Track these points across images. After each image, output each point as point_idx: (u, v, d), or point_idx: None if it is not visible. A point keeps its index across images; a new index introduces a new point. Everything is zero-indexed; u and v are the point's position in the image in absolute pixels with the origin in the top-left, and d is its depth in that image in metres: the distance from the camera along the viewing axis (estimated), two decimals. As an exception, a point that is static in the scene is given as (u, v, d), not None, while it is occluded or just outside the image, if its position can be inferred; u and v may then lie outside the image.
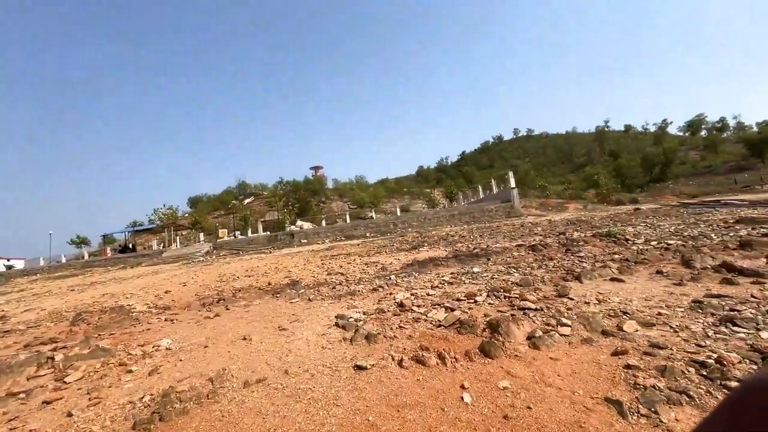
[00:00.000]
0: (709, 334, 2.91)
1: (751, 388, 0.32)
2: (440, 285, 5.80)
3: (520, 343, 3.19)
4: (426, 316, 4.21)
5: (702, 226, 8.94)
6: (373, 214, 45.47)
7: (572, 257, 6.81)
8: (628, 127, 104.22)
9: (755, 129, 57.79)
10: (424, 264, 7.97)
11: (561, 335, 3.21)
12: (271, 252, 21.25)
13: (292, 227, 30.00)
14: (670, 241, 7.11)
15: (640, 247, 6.95)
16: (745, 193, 26.87)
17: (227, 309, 6.10)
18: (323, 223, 40.86)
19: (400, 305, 4.68)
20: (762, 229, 7.58)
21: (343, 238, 23.70)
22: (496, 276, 6.01)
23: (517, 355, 2.95)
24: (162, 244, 38.38)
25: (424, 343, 3.34)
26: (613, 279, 4.85)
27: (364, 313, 4.60)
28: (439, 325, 3.81)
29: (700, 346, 2.74)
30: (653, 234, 8.35)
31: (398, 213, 44.23)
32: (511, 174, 25.27)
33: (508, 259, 7.50)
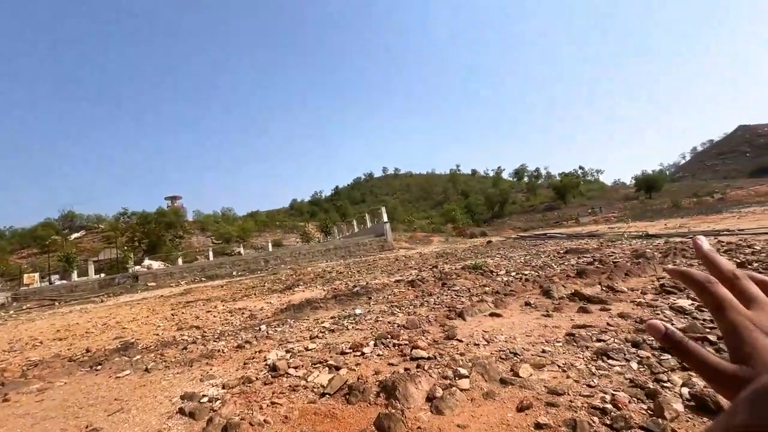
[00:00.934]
0: (593, 371, 2.94)
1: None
2: (321, 334, 5.04)
3: (420, 407, 2.70)
4: (306, 380, 3.41)
5: (543, 257, 10.47)
6: (242, 250, 41.59)
7: (449, 291, 6.93)
8: (474, 171, 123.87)
9: (558, 178, 75.12)
10: (301, 308, 7.08)
11: (462, 390, 2.85)
12: (102, 301, 16.82)
13: (137, 267, 24.74)
14: (525, 271, 7.95)
15: (504, 278, 7.57)
16: (558, 227, 34.01)
17: (5, 400, 4.04)
18: (180, 261, 35.30)
19: (273, 369, 3.75)
20: (584, 258, 9.23)
21: (203, 279, 20.52)
22: (381, 317, 5.58)
23: (420, 428, 2.44)
24: None
25: (306, 428, 2.55)
26: (492, 314, 4.93)
27: (223, 387, 3.50)
28: (323, 394, 3.07)
29: (590, 386, 2.71)
30: (510, 265, 9.33)
31: (270, 248, 41.54)
32: (383, 209, 26.41)
33: (390, 296, 7.24)
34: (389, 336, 4.38)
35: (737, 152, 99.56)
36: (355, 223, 33.97)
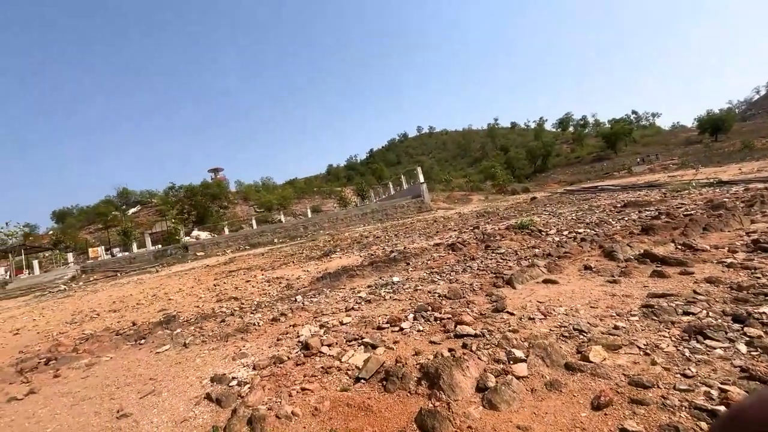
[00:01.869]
0: (687, 355, 2.36)
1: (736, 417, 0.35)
2: (356, 306, 4.76)
3: (469, 399, 2.29)
4: (340, 361, 3.12)
5: (597, 212, 9.49)
6: (282, 217, 42.78)
7: (494, 255, 6.38)
8: (513, 124, 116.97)
9: (608, 125, 68.94)
10: (337, 276, 6.87)
11: (518, 378, 2.41)
12: (157, 271, 17.96)
13: (187, 239, 26.18)
14: (579, 230, 7.17)
15: (555, 238, 6.86)
16: (609, 179, 31.51)
17: (56, 376, 4.19)
18: (226, 230, 37.02)
19: (305, 347, 3.51)
20: (647, 211, 8.20)
21: (247, 247, 21.29)
22: (420, 286, 5.20)
23: (470, 428, 2.04)
24: (9, 272, 30.48)
25: (337, 424, 2.24)
26: (546, 281, 4.36)
27: (254, 368, 3.31)
28: (358, 379, 2.75)
29: (687, 376, 2.15)
30: (560, 223, 8.52)
31: (309, 214, 42.40)
32: (419, 169, 25.58)
33: (429, 262, 6.81)
34: (430, 308, 3.98)
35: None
36: (390, 185, 33.47)
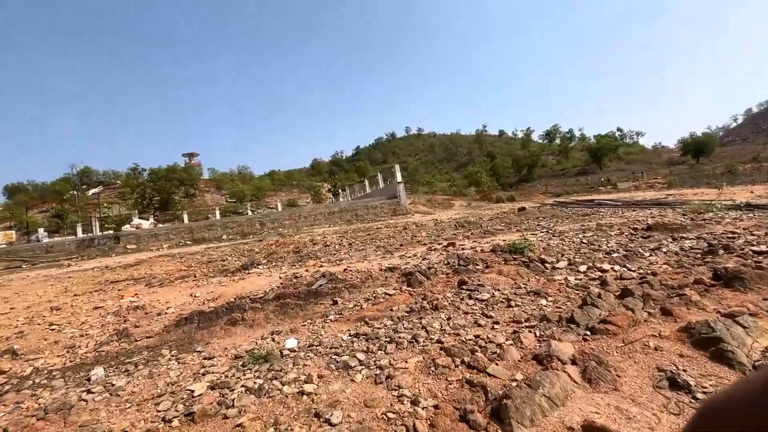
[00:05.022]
0: None
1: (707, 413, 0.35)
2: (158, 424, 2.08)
3: None
4: None
5: (612, 234, 7.07)
6: (249, 210, 39.54)
7: (471, 303, 3.80)
8: (501, 132, 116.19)
9: (593, 140, 68.22)
10: (215, 317, 4.16)
11: None
12: (69, 265, 14.72)
13: (126, 227, 22.81)
14: (602, 265, 4.66)
15: (570, 278, 4.32)
16: (596, 193, 29.76)
17: None
18: (185, 219, 33.65)
19: None
20: (687, 241, 5.81)
21: (188, 242, 18.20)
22: (321, 373, 2.57)
23: None
24: None
25: None
26: (583, 417, 1.78)
27: None
28: None
29: None
30: (567, 248, 6.02)
31: (279, 209, 39.39)
32: (397, 167, 22.92)
33: (367, 304, 4.19)
34: None
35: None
36: (367, 183, 30.75)
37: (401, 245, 8.45)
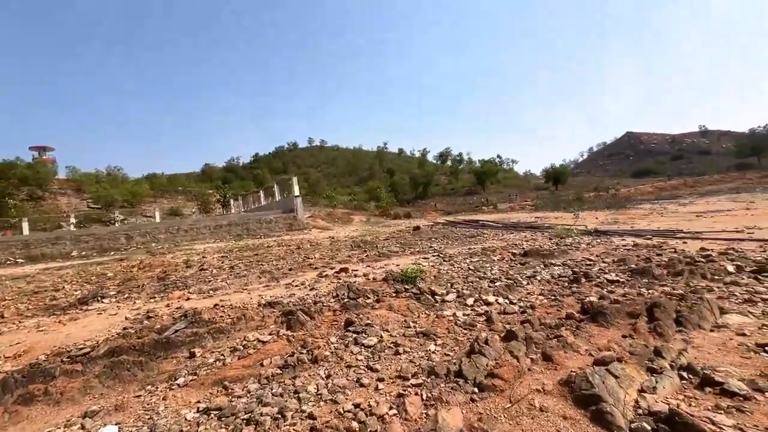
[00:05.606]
0: None
1: None
2: None
3: None
4: None
5: (495, 259, 7.48)
6: (117, 219, 33.57)
7: (356, 350, 3.34)
8: (400, 150, 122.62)
9: (478, 164, 76.87)
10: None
11: None
12: None
13: None
14: (488, 297, 4.69)
15: (458, 313, 4.20)
16: (481, 213, 32.99)
17: None
18: (25, 229, 26.81)
19: None
20: (555, 268, 6.39)
21: (19, 260, 14.24)
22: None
23: None
24: None
25: None
26: None
27: None
28: None
29: None
30: (456, 276, 6.07)
31: (157, 218, 34.38)
32: (295, 179, 21.81)
33: (230, 359, 3.40)
34: None
35: (623, 155, 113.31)
36: (262, 195, 28.75)
37: (290, 269, 7.68)
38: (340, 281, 6.16)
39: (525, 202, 44.06)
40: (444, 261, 7.51)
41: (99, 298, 5.87)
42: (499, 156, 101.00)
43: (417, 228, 15.89)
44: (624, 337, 3.30)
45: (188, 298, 5.73)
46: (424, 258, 8.07)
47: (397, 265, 7.35)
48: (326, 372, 2.98)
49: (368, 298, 4.91)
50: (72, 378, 3.05)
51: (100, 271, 9.17)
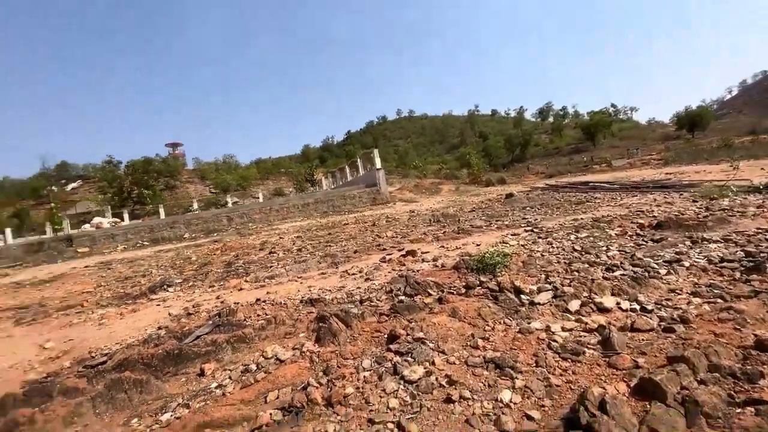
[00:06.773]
0: None
1: None
2: None
3: None
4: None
5: (612, 233, 5.58)
6: (229, 201, 37.77)
7: (391, 392, 2.29)
8: (494, 112, 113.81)
9: (587, 117, 66.39)
10: None
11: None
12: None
13: (87, 226, 21.08)
14: (604, 301, 3.15)
15: (553, 326, 2.81)
16: (590, 172, 28.32)
17: None
18: (161, 214, 32.00)
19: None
20: (712, 246, 4.33)
21: (146, 243, 16.59)
22: None
23: None
24: None
25: None
26: None
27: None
28: None
29: None
30: (553, 261, 4.51)
31: (261, 199, 37.77)
32: (376, 152, 21.11)
33: (231, 386, 2.67)
34: None
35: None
36: (347, 170, 28.99)
37: (355, 252, 6.92)
38: (403, 269, 5.13)
39: (649, 156, 36.65)
40: (539, 238, 5.89)
41: (165, 287, 5.91)
42: (613, 105, 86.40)
43: (510, 195, 13.87)
44: None
45: (241, 288, 5.36)
46: (513, 235, 6.52)
47: (477, 245, 6.00)
48: (337, 428, 2.01)
49: (429, 294, 3.79)
50: (67, 399, 2.66)
51: (188, 255, 9.78)
